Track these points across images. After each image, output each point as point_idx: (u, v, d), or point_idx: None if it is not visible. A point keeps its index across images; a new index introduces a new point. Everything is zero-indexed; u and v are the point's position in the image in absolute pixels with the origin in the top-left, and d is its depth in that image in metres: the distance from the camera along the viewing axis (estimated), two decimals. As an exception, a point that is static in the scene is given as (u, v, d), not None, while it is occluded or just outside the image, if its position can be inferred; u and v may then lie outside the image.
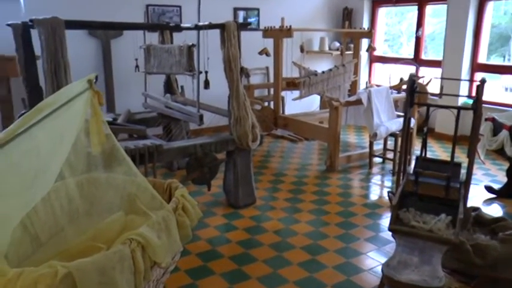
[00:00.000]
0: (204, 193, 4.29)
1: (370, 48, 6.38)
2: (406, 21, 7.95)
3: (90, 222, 2.31)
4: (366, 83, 7.46)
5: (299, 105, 6.27)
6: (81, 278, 1.54)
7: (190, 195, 2.36)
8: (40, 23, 3.10)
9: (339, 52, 7.47)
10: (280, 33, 5.53)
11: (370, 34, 6.18)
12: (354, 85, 6.49)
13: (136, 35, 5.18)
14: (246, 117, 3.85)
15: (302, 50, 5.78)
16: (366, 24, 7.55)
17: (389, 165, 5.29)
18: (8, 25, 4.15)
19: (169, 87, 4.93)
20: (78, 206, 2.42)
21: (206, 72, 3.75)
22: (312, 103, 7.23)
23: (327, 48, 7.52)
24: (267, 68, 7.12)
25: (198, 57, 3.78)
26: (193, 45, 3.84)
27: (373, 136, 4.92)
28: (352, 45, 7.49)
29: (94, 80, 2.07)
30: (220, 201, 4.21)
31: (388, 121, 5.16)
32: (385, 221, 3.82)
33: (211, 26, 3.68)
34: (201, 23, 3.69)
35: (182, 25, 3.74)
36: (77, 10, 5.35)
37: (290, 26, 5.40)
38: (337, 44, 7.58)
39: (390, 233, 3.51)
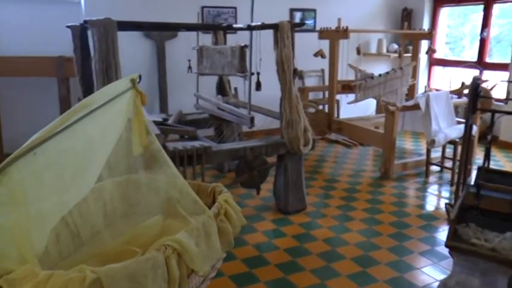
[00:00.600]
0: (254, 197, 4.23)
1: (430, 51, 6.10)
2: (470, 23, 7.55)
3: (128, 225, 2.28)
4: (425, 87, 7.17)
5: (354, 109, 6.10)
6: (109, 284, 1.51)
7: (240, 198, 2.29)
8: (93, 24, 3.14)
9: (396, 55, 7.20)
10: (336, 35, 5.39)
11: (430, 35, 5.90)
12: (412, 89, 6.23)
13: (190, 36, 5.22)
14: (298, 121, 3.75)
15: (358, 52, 5.61)
16: (426, 26, 7.23)
17: (447, 175, 5.01)
18: (68, 27, 4.28)
19: (222, 88, 4.91)
20: (116, 208, 2.41)
21: (258, 74, 3.68)
22: (367, 107, 7.02)
23: (384, 51, 7.27)
24: (322, 70, 6.98)
25: (250, 58, 3.73)
26: (245, 46, 3.78)
27: (431, 143, 4.67)
28: (411, 48, 7.23)
29: (137, 80, 2.04)
30: (269, 206, 4.13)
31: (448, 128, 4.89)
32: (442, 234, 3.60)
33: (264, 26, 3.62)
34: (254, 23, 3.62)
35: (234, 25, 3.69)
36: (134, 12, 5.45)
37: (347, 27, 5.24)
38: (395, 46, 7.31)
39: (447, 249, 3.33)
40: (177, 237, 1.79)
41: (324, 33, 5.54)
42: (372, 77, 5.49)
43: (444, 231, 3.64)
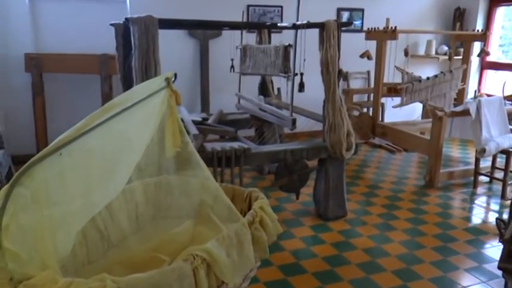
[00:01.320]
0: (293, 201, 4.13)
1: (483, 53, 5.80)
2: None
3: (157, 229, 2.22)
4: (475, 91, 6.84)
5: (399, 113, 5.88)
6: (130, 295, 1.44)
7: (278, 202, 2.19)
8: (134, 21, 3.13)
9: (446, 57, 6.91)
10: (384, 35, 5.20)
11: (484, 37, 5.60)
12: (461, 94, 5.95)
13: (234, 35, 5.17)
14: (341, 124, 3.62)
15: (406, 53, 5.37)
16: (479, 26, 6.90)
17: (497, 186, 4.74)
18: (111, 25, 4.32)
19: (264, 88, 4.84)
20: (146, 211, 2.34)
21: (301, 74, 3.58)
22: (413, 112, 6.78)
23: (433, 53, 6.99)
24: (368, 72, 6.78)
25: (294, 58, 3.63)
26: (289, 45, 3.69)
27: (481, 152, 4.43)
28: (462, 50, 6.92)
29: (172, 79, 1.98)
30: (309, 211, 4.03)
31: (500, 136, 4.63)
32: (491, 251, 3.39)
33: (309, 25, 3.51)
34: (299, 22, 3.52)
35: (279, 24, 3.60)
36: (179, 11, 5.44)
37: (395, 28, 5.04)
38: (445, 48, 7.02)
39: (496, 266, 3.14)
40: (207, 247, 1.72)
41: (371, 34, 5.36)
42: (419, 80, 5.28)
43: (493, 248, 3.44)
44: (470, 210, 4.23)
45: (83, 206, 1.69)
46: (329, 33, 3.51)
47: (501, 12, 6.98)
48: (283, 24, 3.61)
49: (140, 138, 1.95)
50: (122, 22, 4.18)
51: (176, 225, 2.13)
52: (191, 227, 2.15)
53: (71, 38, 5.32)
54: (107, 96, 5.28)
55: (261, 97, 4.58)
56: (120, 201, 2.22)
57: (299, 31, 3.58)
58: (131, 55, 4.23)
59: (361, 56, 5.56)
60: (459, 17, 7.04)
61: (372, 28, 5.40)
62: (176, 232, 2.09)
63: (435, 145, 4.62)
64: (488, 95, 6.74)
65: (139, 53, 3.10)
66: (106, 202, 1.96)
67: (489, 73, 7.18)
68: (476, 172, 4.72)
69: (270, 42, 4.72)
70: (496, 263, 3.20)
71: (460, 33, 5.71)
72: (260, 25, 4.38)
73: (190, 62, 5.87)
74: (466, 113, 4.58)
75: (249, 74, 4.43)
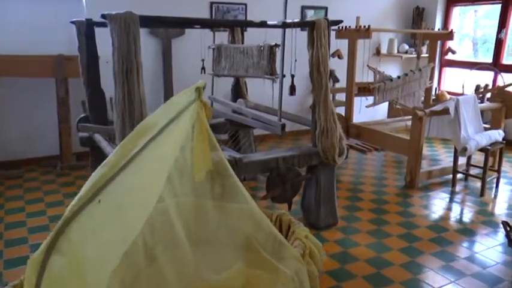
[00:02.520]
0: (278, 209, 3.87)
1: (450, 51, 5.83)
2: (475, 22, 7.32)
3: (197, 256, 1.85)
4: (435, 89, 6.91)
5: (365, 113, 5.77)
6: None
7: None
8: (113, 18, 2.73)
9: (408, 55, 6.94)
10: (356, 34, 5.06)
11: (450, 36, 5.62)
12: (428, 92, 5.96)
13: (199, 34, 4.86)
14: (334, 129, 3.42)
15: (378, 52, 5.31)
16: (438, 25, 6.98)
17: (473, 184, 4.75)
18: (72, 22, 3.86)
19: (238, 91, 4.54)
20: (180, 235, 1.96)
21: (293, 77, 3.33)
22: (376, 111, 6.72)
23: (395, 51, 6.98)
24: (331, 71, 6.63)
25: (283, 59, 3.37)
26: (276, 45, 3.43)
27: (463, 151, 4.38)
28: (423, 48, 6.97)
29: (203, 89, 1.67)
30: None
31: (477, 134, 4.62)
32: (489, 253, 3.31)
33: (300, 24, 3.29)
34: (288, 20, 3.27)
35: (269, 22, 3.33)
36: (137, 8, 4.98)
37: (369, 26, 4.91)
38: (406, 47, 7.03)
39: (499, 269, 3.06)
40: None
41: (342, 33, 5.20)
42: (390, 79, 5.20)
43: (490, 249, 3.36)
44: (456, 210, 4.18)
45: (118, 244, 1.34)
46: (320, 32, 3.28)
47: (457, 11, 7.10)
48: (273, 22, 3.32)
49: (174, 160, 1.61)
50: (84, 20, 3.78)
51: (217, 258, 1.78)
52: (243, 269, 1.79)
53: (22, 38, 4.76)
54: (63, 102, 4.79)
55: (242, 100, 4.27)
56: (157, 223, 1.84)
57: (275, 30, 3.34)
58: (97, 56, 3.84)
59: (332, 56, 5.41)
60: (418, 15, 7.08)
61: (343, 27, 5.25)
62: (227, 278, 1.73)
63: (415, 145, 4.54)
64: (448, 93, 6.84)
65: (119, 54, 2.71)
66: (137, 232, 1.59)
67: (448, 71, 7.27)
68: (455, 171, 4.68)
69: (243, 41, 4.44)
70: (499, 265, 3.15)
71: (427, 32, 5.69)
72: (248, 23, 4.04)
73: (152, 62, 5.46)
74: (445, 112, 4.52)
75: (224, 76, 4.12)
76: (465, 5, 6.94)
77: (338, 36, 5.26)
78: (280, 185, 3.33)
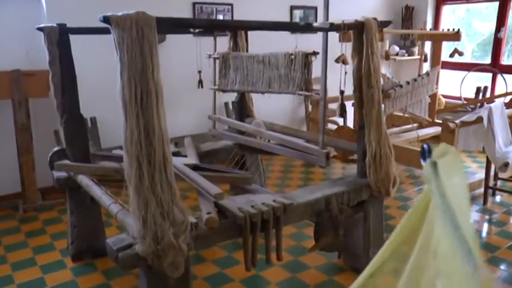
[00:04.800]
0: (304, 252, 3.20)
1: (456, 53, 5.35)
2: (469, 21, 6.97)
3: None
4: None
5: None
6: None
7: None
8: (120, 22, 1.93)
9: (403, 58, 6.45)
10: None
11: (457, 36, 5.14)
12: (433, 99, 5.47)
13: (181, 40, 4.19)
14: (389, 155, 2.78)
15: (388, 57, 4.74)
16: (429, 25, 6.55)
17: (505, 199, 4.28)
18: (40, 29, 2.98)
19: (244, 108, 3.79)
20: None
21: (342, 93, 2.66)
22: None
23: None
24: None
25: (325, 69, 2.69)
26: (314, 52, 2.73)
27: (503, 167, 3.87)
28: (415, 50, 6.53)
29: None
30: (336, 265, 3.11)
31: (506, 146, 4.14)
32: None
33: (350, 26, 2.62)
34: (336, 22, 2.59)
35: (315, 24, 2.63)
36: (111, 9, 4.17)
37: (382, 28, 4.30)
38: (397, 49, 6.54)
39: None
40: None
41: (349, 35, 4.57)
42: (400, 85, 4.66)
43: None
44: (507, 234, 3.65)
45: None
46: (370, 36, 2.65)
47: (446, 10, 6.69)
48: (318, 24, 2.63)
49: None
50: (56, 25, 2.92)
51: None
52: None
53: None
54: (23, 128, 3.85)
55: (260, 122, 3.51)
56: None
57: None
58: (74, 72, 3.00)
59: (337, 61, 4.77)
60: (407, 15, 6.62)
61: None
62: None
63: (446, 161, 3.97)
64: (444, 96, 6.41)
65: (130, 74, 1.91)
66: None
67: (443, 73, 6.85)
68: (487, 186, 4.18)
69: (247, 49, 3.70)
70: None
71: (432, 33, 5.20)
72: (292, 26, 3.22)
73: (127, 76, 4.59)
74: (477, 121, 4.00)
75: (234, 91, 3.37)
76: (456, 3, 6.54)
77: (343, 39, 4.64)
78: (331, 231, 2.63)
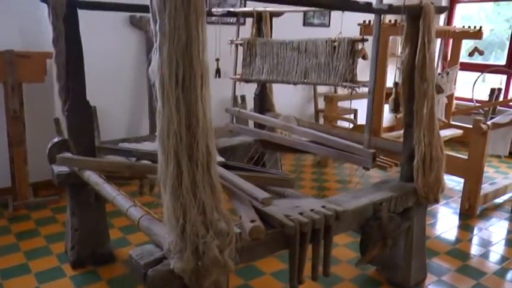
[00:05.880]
0: (336, 263, 2.88)
1: (476, 52, 5.10)
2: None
3: None
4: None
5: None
6: None
7: None
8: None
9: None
10: (390, 30, 4.17)
11: (479, 34, 4.89)
12: (450, 99, 5.21)
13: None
14: (441, 158, 2.47)
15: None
16: (441, 23, 6.30)
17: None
18: (44, 1, 2.59)
19: (265, 101, 3.45)
20: None
21: (396, 85, 2.35)
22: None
23: (399, 52, 6.19)
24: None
25: (376, 58, 2.38)
26: (363, 39, 2.42)
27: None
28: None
29: None
30: (372, 278, 2.80)
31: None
32: None
33: (409, 10, 2.31)
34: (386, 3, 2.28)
35: (374, 6, 2.30)
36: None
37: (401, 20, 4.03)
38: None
39: None
40: None
41: (369, 28, 4.28)
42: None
43: None
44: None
45: None
46: (428, 21, 2.34)
47: (460, 8, 6.46)
48: (377, 6, 2.29)
49: None
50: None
51: None
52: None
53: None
54: (15, 116, 3.44)
55: (292, 116, 3.16)
56: None
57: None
58: (81, 52, 2.62)
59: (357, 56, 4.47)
60: (419, 11, 6.36)
61: (369, 22, 4.37)
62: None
63: (477, 166, 3.71)
64: (456, 98, 6.17)
65: (170, 48, 1.55)
66: None
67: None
68: (516, 193, 3.94)
69: (271, 35, 3.37)
70: None
71: (453, 30, 4.93)
72: (353, 5, 2.86)
73: (133, 60, 4.20)
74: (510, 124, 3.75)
75: (261, 82, 3.03)
76: (470, 2, 6.31)
77: (364, 32, 4.35)
78: (380, 242, 2.32)
